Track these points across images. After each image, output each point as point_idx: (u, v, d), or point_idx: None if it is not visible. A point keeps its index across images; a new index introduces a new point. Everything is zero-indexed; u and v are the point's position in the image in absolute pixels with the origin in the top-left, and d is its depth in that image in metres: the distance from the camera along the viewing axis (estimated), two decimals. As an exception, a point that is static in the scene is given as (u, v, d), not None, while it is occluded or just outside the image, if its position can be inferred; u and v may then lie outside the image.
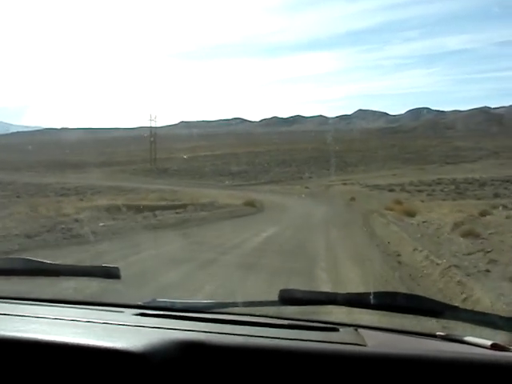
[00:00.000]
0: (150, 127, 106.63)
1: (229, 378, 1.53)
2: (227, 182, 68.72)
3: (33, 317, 1.80)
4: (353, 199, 38.02)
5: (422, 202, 33.86)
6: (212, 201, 31.12)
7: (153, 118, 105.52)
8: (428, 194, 39.68)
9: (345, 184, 57.46)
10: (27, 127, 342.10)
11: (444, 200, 34.40)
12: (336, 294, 1.98)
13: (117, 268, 2.22)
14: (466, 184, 48.12)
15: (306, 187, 57.33)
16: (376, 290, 1.88)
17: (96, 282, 2.50)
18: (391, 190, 44.53)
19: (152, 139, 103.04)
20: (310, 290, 2.05)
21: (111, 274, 2.25)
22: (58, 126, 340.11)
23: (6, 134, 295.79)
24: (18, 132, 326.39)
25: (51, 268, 2.25)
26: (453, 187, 45.34)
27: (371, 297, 1.86)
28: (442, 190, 42.74)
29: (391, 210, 26.13)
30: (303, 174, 76.25)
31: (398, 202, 30.45)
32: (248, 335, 1.68)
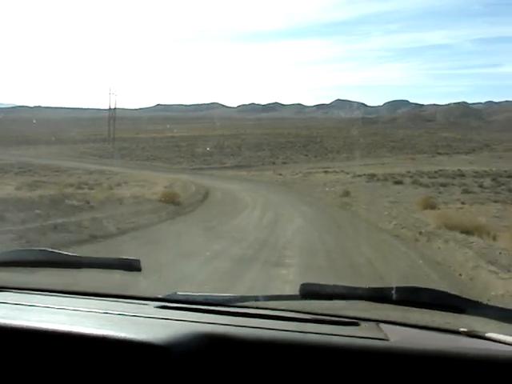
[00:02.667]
0: (109, 107, 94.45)
1: (250, 372, 1.51)
2: (184, 165, 57.50)
3: (53, 308, 1.79)
4: (346, 195, 24.21)
5: (463, 203, 20.54)
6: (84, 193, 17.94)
7: (112, 91, 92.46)
8: (465, 191, 25.88)
9: (326, 172, 44.21)
10: (1, 104, 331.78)
11: (504, 202, 21.04)
12: (358, 289, 1.90)
13: (138, 260, 2.15)
14: (505, 178, 34.35)
15: (280, 174, 44.25)
16: (398, 285, 1.82)
17: (117, 274, 2.11)
18: (398, 182, 30.50)
19: (111, 115, 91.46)
20: (331, 284, 1.94)
21: (132, 266, 2.17)
22: (31, 105, 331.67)
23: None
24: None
25: (72, 260, 2.20)
26: (489, 181, 31.61)
27: (393, 292, 1.80)
28: (480, 186, 28.85)
29: (467, 230, 11.84)
30: (276, 159, 63.78)
31: (432, 206, 17.19)
32: (269, 329, 1.64)
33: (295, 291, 1.85)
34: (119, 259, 2.19)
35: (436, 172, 41.11)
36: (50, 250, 2.24)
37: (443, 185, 29.18)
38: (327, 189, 28.68)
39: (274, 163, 59.42)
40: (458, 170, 43.36)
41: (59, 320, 1.60)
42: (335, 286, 1.92)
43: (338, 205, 22.34)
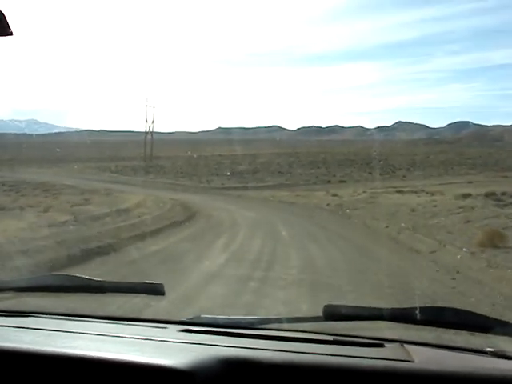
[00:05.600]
0: (146, 120, 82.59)
1: None
2: (214, 184, 44.66)
3: (79, 333, 1.73)
4: (494, 242, 9.36)
5: None
6: None
7: (150, 103, 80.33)
8: None
9: (401, 192, 29.40)
10: (69, 129, 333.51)
11: None
12: (381, 309, 1.81)
13: (161, 284, 2.07)
14: None
15: (334, 195, 30.20)
16: (422, 305, 1.75)
17: (140, 298, 2.19)
18: None
19: (149, 129, 79.58)
20: (354, 306, 1.88)
21: (155, 290, 2.10)
22: (97, 129, 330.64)
23: (44, 134, 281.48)
24: (60, 132, 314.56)
25: (96, 284, 2.11)
26: None
27: (417, 312, 1.73)
28: None
29: None
30: (333, 177, 49.21)
31: None
32: (293, 351, 1.57)
33: (319, 313, 1.77)
34: (143, 283, 2.08)
35: None
36: (74, 275, 2.16)
37: None
38: (426, 222, 13.67)
39: (329, 182, 45.07)
40: None
41: (85, 346, 1.55)
42: (358, 307, 1.84)
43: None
